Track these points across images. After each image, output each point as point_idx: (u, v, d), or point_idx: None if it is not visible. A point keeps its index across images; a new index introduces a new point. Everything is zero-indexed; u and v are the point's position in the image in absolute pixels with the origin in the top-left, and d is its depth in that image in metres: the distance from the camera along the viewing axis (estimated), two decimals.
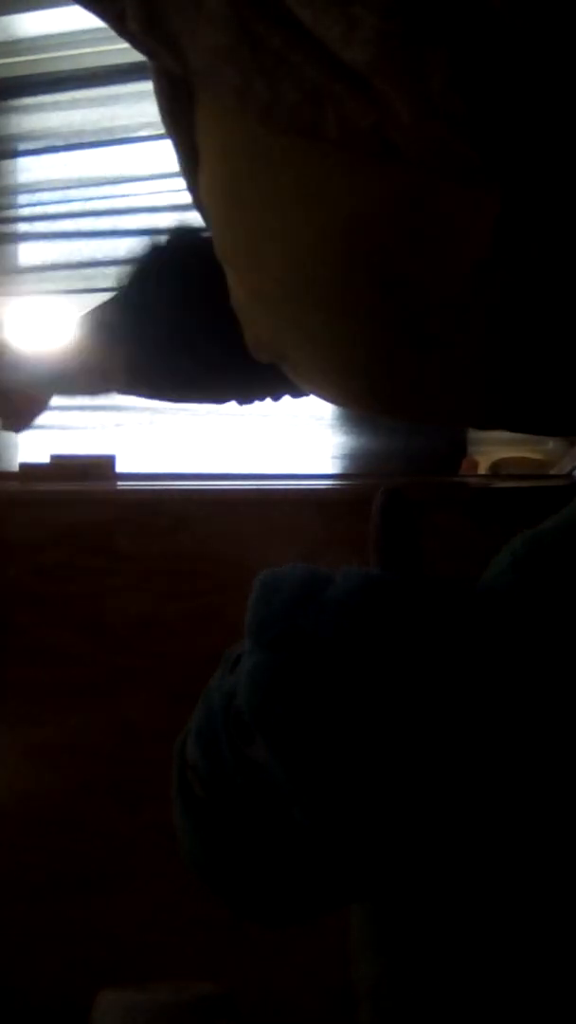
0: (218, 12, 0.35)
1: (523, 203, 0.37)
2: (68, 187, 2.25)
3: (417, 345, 0.43)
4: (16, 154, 2.31)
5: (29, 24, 2.13)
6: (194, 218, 0.56)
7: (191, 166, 0.48)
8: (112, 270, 2.15)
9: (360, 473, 1.87)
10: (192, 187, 0.50)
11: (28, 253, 2.29)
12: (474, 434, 1.88)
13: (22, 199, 2.32)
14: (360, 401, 0.49)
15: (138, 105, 2.12)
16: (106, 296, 0.81)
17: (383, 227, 0.39)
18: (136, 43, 0.40)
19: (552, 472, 1.24)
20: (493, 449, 1.80)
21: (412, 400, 0.47)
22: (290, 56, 0.35)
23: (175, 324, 0.76)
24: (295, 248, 0.42)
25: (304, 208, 0.41)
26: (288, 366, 0.50)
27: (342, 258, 0.41)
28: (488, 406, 0.48)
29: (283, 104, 0.36)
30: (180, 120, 0.46)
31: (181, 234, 0.76)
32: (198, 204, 0.50)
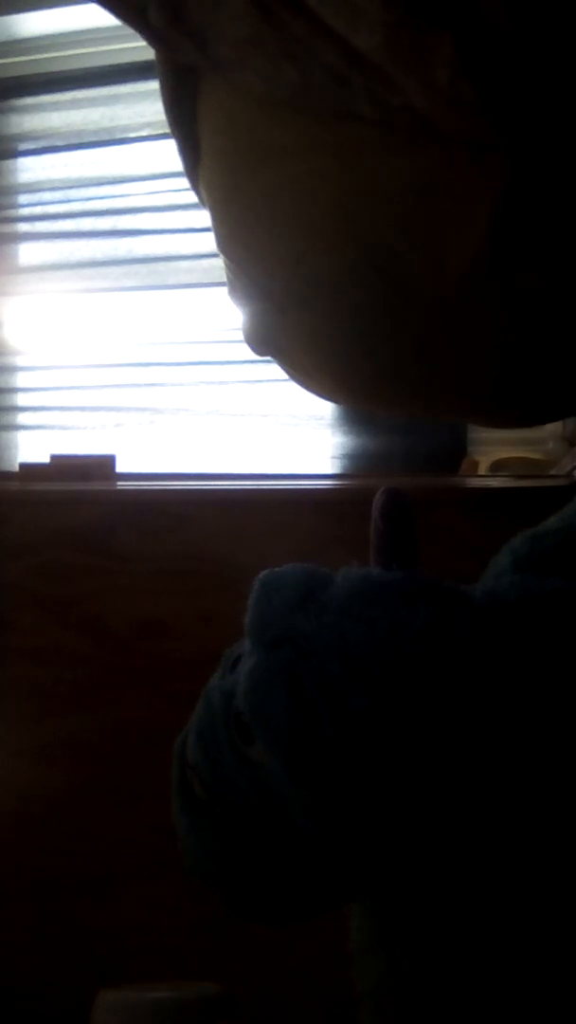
0: (240, 3, 0.36)
1: (527, 187, 0.36)
2: (68, 187, 2.25)
3: (412, 344, 0.43)
4: (16, 154, 2.30)
5: (29, 24, 2.13)
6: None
7: (192, 158, 0.48)
8: (112, 270, 2.16)
9: (360, 473, 1.87)
10: (193, 180, 0.50)
11: (28, 253, 2.29)
12: (474, 434, 1.88)
13: (22, 199, 2.32)
14: (354, 397, 0.49)
15: (138, 105, 2.12)
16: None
17: (385, 213, 0.39)
18: (157, 37, 0.39)
19: (552, 472, 1.24)
20: (493, 449, 1.80)
21: (407, 398, 0.47)
22: (314, 41, 0.35)
23: None
24: (294, 239, 0.42)
25: (308, 197, 0.41)
26: (284, 360, 0.49)
27: (341, 248, 0.41)
28: (483, 403, 0.47)
29: (314, 86, 0.36)
30: (183, 112, 0.46)
31: None
32: (199, 197, 0.50)
